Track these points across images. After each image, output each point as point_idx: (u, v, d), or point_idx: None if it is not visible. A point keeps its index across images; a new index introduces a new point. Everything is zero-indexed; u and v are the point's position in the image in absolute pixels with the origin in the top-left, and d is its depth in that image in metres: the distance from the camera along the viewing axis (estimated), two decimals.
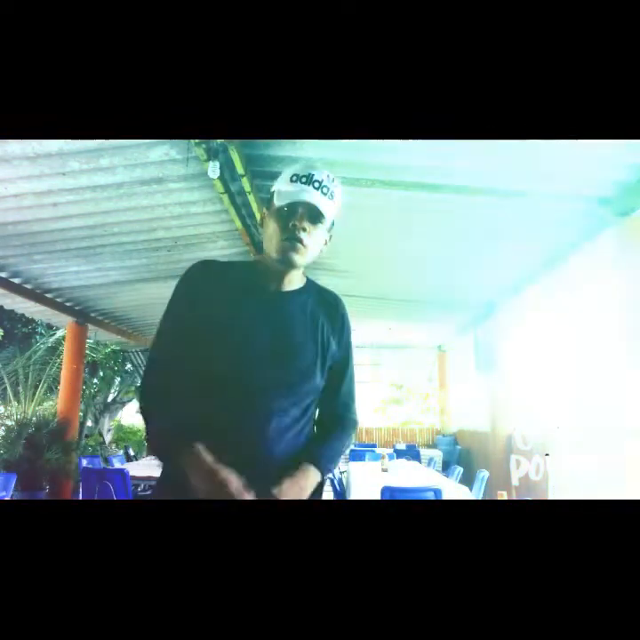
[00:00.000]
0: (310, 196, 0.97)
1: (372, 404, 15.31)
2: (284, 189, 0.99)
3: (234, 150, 2.89)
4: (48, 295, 5.40)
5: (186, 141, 2.82)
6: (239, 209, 3.63)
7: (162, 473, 1.00)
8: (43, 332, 8.45)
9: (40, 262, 4.49)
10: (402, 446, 8.48)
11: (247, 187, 3.27)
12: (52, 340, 7.94)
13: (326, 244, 1.10)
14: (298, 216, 0.97)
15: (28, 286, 5.05)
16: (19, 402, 7.02)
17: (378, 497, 3.10)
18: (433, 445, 9.48)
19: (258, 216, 3.50)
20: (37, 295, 5.24)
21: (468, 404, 7.92)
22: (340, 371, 1.12)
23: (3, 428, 6.34)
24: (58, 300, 5.59)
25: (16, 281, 4.87)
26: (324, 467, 1.04)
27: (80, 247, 4.20)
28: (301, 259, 1.00)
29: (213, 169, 2.83)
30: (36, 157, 2.88)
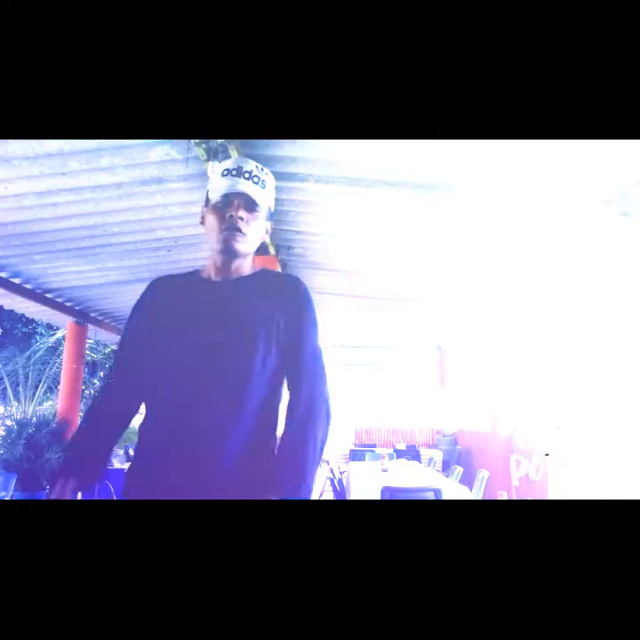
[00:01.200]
0: (243, 186, 1.01)
1: (372, 404, 15.30)
2: (217, 185, 1.03)
3: (234, 150, 2.89)
4: (48, 295, 5.40)
5: (186, 141, 2.82)
6: None
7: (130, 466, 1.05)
8: (43, 331, 8.45)
9: (40, 262, 4.49)
10: (402, 446, 8.48)
11: None
12: (52, 340, 7.94)
13: (268, 232, 1.14)
14: (233, 206, 1.02)
15: (28, 286, 5.05)
16: (19, 402, 7.02)
17: (378, 497, 3.10)
18: (433, 445, 9.47)
19: None
20: (37, 295, 5.24)
21: (467, 404, 7.92)
22: (299, 350, 1.09)
23: (3, 427, 6.34)
24: (58, 299, 5.59)
25: (16, 281, 4.87)
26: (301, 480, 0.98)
27: (80, 247, 4.19)
28: (243, 246, 1.03)
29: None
30: (36, 157, 2.88)
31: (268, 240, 4.20)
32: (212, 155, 2.82)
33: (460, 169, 2.98)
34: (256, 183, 1.03)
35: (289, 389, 1.07)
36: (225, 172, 1.02)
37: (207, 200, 1.07)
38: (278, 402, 1.08)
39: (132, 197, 3.46)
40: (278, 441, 1.02)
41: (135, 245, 4.27)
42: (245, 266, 1.09)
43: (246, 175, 1.02)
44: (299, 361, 1.07)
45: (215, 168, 1.07)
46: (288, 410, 1.05)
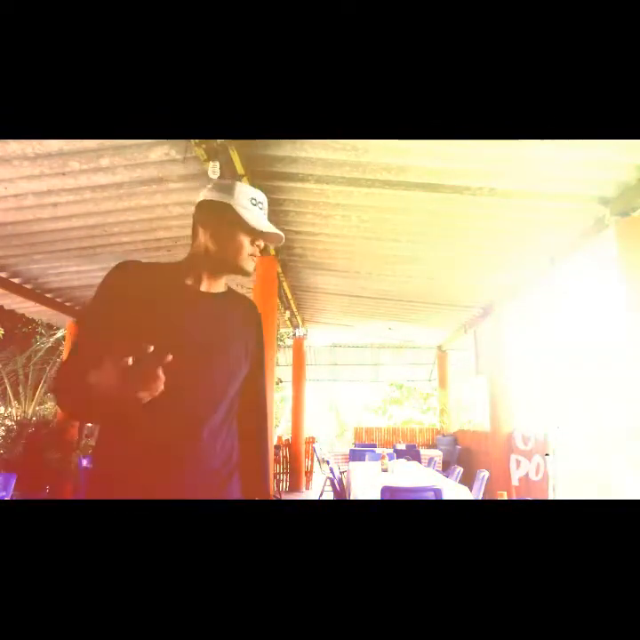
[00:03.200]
0: (267, 225, 1.10)
1: (372, 404, 15.31)
2: (248, 208, 1.08)
3: (234, 150, 2.89)
4: (48, 295, 5.41)
5: (186, 141, 2.82)
6: None
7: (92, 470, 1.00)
8: (43, 331, 8.46)
9: (40, 262, 4.49)
10: (402, 446, 8.48)
11: None
12: (52, 340, 7.94)
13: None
14: (260, 238, 1.10)
15: (28, 286, 5.05)
16: (19, 402, 7.02)
17: (378, 497, 3.10)
18: (433, 445, 9.48)
19: None
20: (37, 295, 5.24)
21: (467, 403, 7.91)
22: (255, 378, 1.18)
23: (3, 427, 6.34)
24: (58, 300, 5.59)
25: (16, 281, 4.87)
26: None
27: (80, 247, 4.20)
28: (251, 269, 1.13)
29: (213, 169, 2.83)
30: (36, 157, 2.89)
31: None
32: (212, 155, 2.82)
33: (460, 169, 2.98)
34: (260, 209, 1.12)
35: (243, 402, 1.14)
36: (253, 202, 1.09)
37: (228, 212, 1.08)
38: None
39: (132, 197, 3.46)
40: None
41: (135, 245, 4.27)
42: (223, 281, 1.15)
43: (264, 211, 1.11)
44: (258, 384, 1.20)
45: (238, 191, 1.09)
46: (245, 443, 1.13)
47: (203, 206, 1.12)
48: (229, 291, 1.18)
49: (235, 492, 1.00)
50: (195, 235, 1.14)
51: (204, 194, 1.11)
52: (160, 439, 0.94)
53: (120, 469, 0.92)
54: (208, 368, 1.03)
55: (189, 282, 1.10)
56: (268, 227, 1.09)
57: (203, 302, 1.09)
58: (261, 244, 1.11)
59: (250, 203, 1.09)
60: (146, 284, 1.06)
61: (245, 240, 1.08)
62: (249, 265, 1.10)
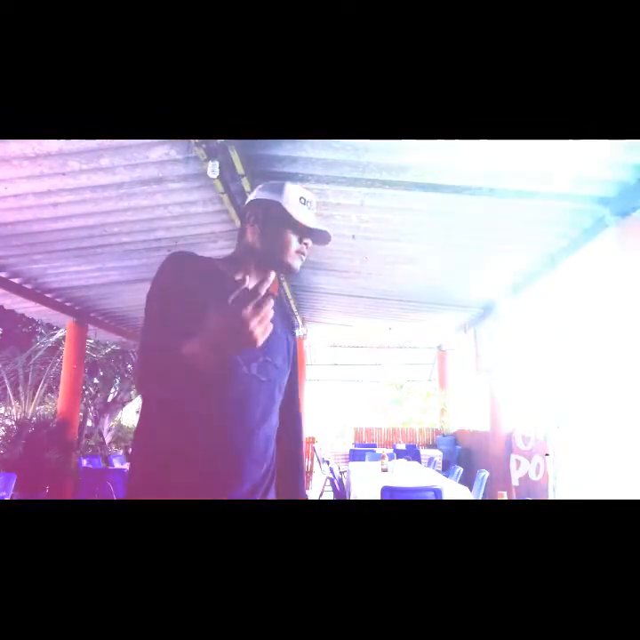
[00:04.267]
0: (314, 222, 1.11)
1: (372, 404, 15.31)
2: (297, 206, 1.09)
3: (234, 150, 2.89)
4: (48, 295, 5.41)
5: (186, 141, 2.82)
6: (239, 209, 3.63)
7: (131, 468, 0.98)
8: (43, 331, 8.45)
9: (40, 262, 4.49)
10: (402, 446, 8.48)
11: (247, 187, 3.27)
12: (52, 340, 7.94)
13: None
14: (308, 237, 1.11)
15: (28, 286, 5.05)
16: (19, 402, 7.02)
17: (378, 497, 3.10)
18: (433, 445, 9.47)
19: None
20: (37, 295, 5.24)
21: (467, 403, 7.91)
22: (294, 378, 1.22)
23: (3, 427, 6.34)
24: (58, 300, 5.59)
25: (16, 281, 4.87)
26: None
27: (80, 247, 4.20)
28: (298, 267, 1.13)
29: (213, 169, 2.83)
30: (36, 157, 2.88)
31: None
32: (212, 155, 2.82)
33: (460, 169, 2.98)
34: (309, 209, 1.14)
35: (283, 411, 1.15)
36: (302, 200, 1.11)
37: (277, 209, 1.09)
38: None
39: (132, 197, 3.46)
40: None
41: (135, 245, 4.27)
42: None
43: (313, 210, 1.15)
44: (295, 385, 1.24)
45: (288, 190, 1.11)
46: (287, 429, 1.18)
47: (253, 205, 1.12)
48: None
49: (272, 493, 1.02)
50: (242, 234, 1.13)
51: (255, 193, 1.13)
52: (213, 437, 0.93)
53: (166, 467, 0.90)
54: (264, 365, 1.04)
55: (238, 277, 1.07)
56: (315, 224, 1.11)
57: None
58: (309, 242, 1.12)
59: (299, 201, 1.10)
60: (200, 275, 1.04)
61: (293, 237, 1.09)
62: (296, 262, 1.10)
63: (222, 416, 0.95)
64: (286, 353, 1.15)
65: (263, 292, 0.83)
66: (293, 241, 1.09)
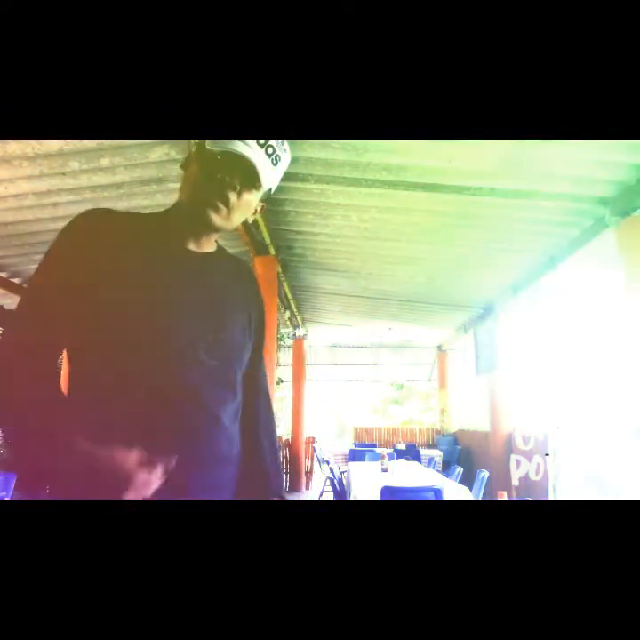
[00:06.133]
0: (252, 151, 0.82)
1: (372, 404, 15.32)
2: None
3: None
4: None
5: (186, 141, 2.82)
6: None
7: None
8: None
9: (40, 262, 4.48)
10: (402, 446, 8.48)
11: None
12: None
13: (256, 213, 0.94)
14: (230, 171, 0.82)
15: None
16: None
17: (378, 497, 3.10)
18: (433, 445, 9.48)
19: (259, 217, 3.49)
20: None
21: (467, 403, 7.92)
22: (258, 359, 1.00)
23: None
24: None
25: (16, 281, 4.87)
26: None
27: None
28: (222, 223, 0.85)
29: None
30: (36, 157, 2.89)
31: (265, 235, 4.19)
32: None
33: (460, 169, 2.98)
34: (268, 156, 0.85)
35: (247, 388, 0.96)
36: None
37: (201, 144, 0.89)
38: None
39: (132, 197, 3.46)
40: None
41: None
42: (213, 240, 0.93)
43: (261, 141, 0.84)
44: (260, 363, 1.02)
45: None
46: (254, 436, 0.98)
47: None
48: (220, 250, 0.95)
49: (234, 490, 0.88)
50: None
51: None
52: (164, 425, 0.78)
53: (112, 461, 0.75)
54: (214, 344, 0.84)
55: (174, 237, 0.88)
56: (231, 145, 0.81)
57: (190, 263, 0.87)
58: (230, 179, 0.82)
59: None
60: (120, 236, 0.82)
61: (200, 170, 0.84)
62: (207, 210, 0.82)
63: (167, 417, 0.79)
64: (247, 323, 0.93)
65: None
66: (200, 177, 0.84)
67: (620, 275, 2.98)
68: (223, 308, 0.88)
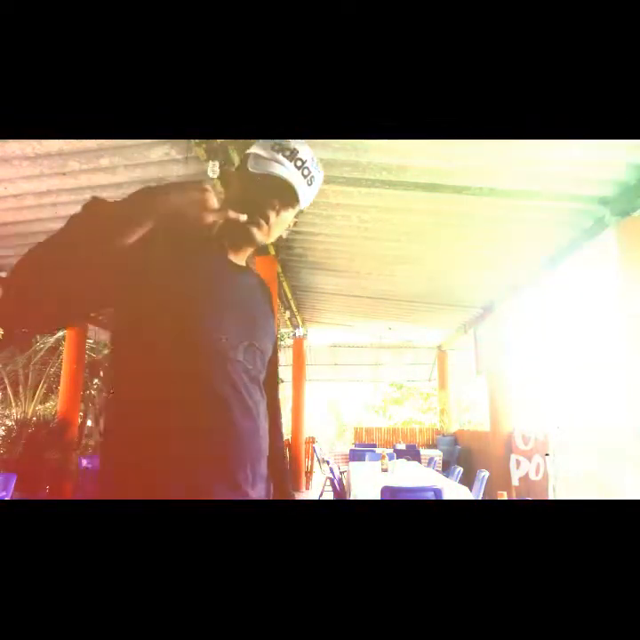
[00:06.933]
0: (290, 174, 0.88)
1: (373, 404, 15.32)
2: (263, 155, 0.90)
3: (234, 150, 2.89)
4: None
5: (186, 141, 2.82)
6: None
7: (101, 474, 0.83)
8: None
9: None
10: (402, 446, 8.48)
11: None
12: (52, 340, 7.94)
13: (289, 227, 1.00)
14: (272, 192, 0.89)
15: None
16: (19, 402, 7.02)
17: (378, 497, 3.10)
18: (433, 445, 9.48)
19: None
20: None
21: (468, 404, 7.92)
22: (275, 365, 1.06)
23: (3, 427, 6.34)
24: None
25: None
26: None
27: None
28: (262, 238, 0.92)
29: (213, 169, 2.83)
30: (36, 157, 2.89)
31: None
32: (212, 155, 2.82)
33: (460, 169, 2.98)
34: (304, 177, 0.90)
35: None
36: (276, 147, 0.90)
37: (243, 163, 0.93)
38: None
39: None
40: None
41: None
42: (247, 254, 0.99)
43: (298, 163, 0.89)
44: (276, 370, 1.08)
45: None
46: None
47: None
48: (252, 268, 1.03)
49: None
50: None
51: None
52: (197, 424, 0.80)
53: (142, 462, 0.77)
54: (248, 348, 0.89)
55: (214, 244, 0.93)
56: (271, 168, 0.87)
57: (231, 271, 0.93)
58: (270, 199, 0.89)
59: (270, 148, 0.89)
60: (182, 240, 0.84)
61: (243, 190, 0.90)
62: (249, 227, 0.89)
63: (214, 410, 0.82)
64: (270, 336, 0.99)
65: None
66: (242, 197, 0.89)
67: (619, 275, 2.98)
68: (255, 316, 0.94)
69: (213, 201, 0.83)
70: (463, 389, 8.52)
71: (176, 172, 3.18)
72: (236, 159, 2.96)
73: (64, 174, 3.07)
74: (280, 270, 5.02)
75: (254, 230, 0.89)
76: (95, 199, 0.83)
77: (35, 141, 2.73)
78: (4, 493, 3.47)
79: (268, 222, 0.90)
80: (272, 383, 1.03)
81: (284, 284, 5.62)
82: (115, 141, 2.78)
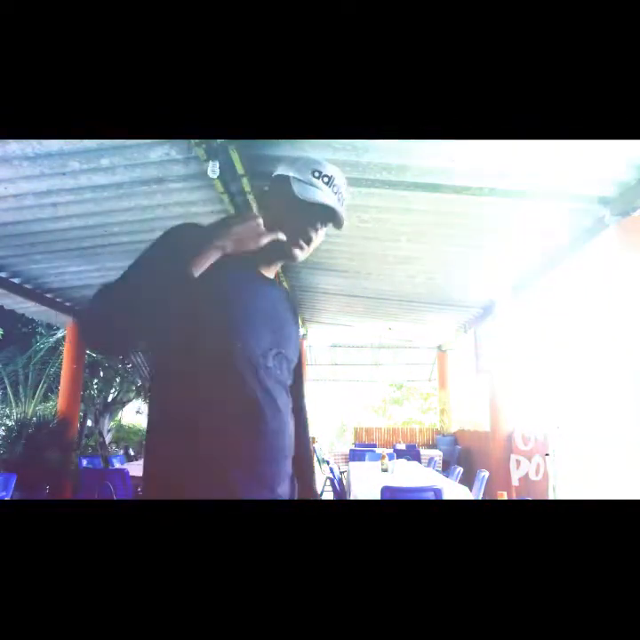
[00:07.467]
0: (330, 200, 0.98)
1: (373, 404, 15.31)
2: (305, 181, 0.98)
3: (234, 150, 2.89)
4: (48, 295, 5.40)
5: (186, 141, 2.82)
6: (239, 209, 3.63)
7: (145, 472, 0.91)
8: (43, 331, 8.45)
9: (40, 262, 4.49)
10: (402, 446, 8.48)
11: (247, 187, 3.27)
12: (52, 340, 7.94)
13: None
14: (315, 216, 0.99)
15: (28, 286, 5.05)
16: (19, 402, 7.02)
17: (378, 497, 3.10)
18: (433, 445, 9.47)
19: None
20: (37, 295, 5.24)
21: (467, 404, 7.91)
22: (298, 371, 1.14)
23: (3, 427, 6.34)
24: (58, 300, 5.59)
25: (16, 281, 4.87)
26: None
27: (80, 247, 4.19)
28: (302, 256, 1.03)
29: (213, 169, 2.83)
30: (36, 157, 2.88)
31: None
32: (212, 155, 2.82)
33: (460, 169, 2.98)
34: (339, 201, 1.01)
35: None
36: (316, 174, 0.98)
37: (282, 184, 1.00)
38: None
39: (132, 197, 3.46)
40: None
41: (135, 245, 4.27)
42: (277, 268, 1.10)
43: (335, 189, 0.99)
44: (301, 378, 1.16)
45: (303, 159, 1.00)
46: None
47: (267, 190, 1.04)
48: (275, 280, 1.11)
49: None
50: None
51: (277, 170, 1.02)
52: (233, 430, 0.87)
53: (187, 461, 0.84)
54: (277, 356, 0.97)
55: (252, 260, 1.02)
56: (314, 196, 0.96)
57: (268, 288, 1.03)
58: (319, 225, 0.99)
59: (311, 174, 0.97)
60: (225, 264, 0.92)
61: (288, 213, 0.98)
62: (293, 247, 0.99)
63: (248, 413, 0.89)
64: (297, 342, 1.09)
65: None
66: (287, 219, 0.97)
67: (619, 275, 2.98)
68: (283, 326, 1.03)
69: (263, 227, 0.93)
70: (463, 389, 8.51)
71: (176, 172, 3.18)
72: (236, 159, 2.96)
73: (64, 174, 3.07)
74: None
75: (296, 251, 1.00)
76: (183, 225, 0.98)
77: (35, 141, 2.72)
78: (4, 493, 3.47)
79: (308, 244, 1.01)
80: (298, 387, 1.11)
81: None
82: (115, 141, 2.78)
